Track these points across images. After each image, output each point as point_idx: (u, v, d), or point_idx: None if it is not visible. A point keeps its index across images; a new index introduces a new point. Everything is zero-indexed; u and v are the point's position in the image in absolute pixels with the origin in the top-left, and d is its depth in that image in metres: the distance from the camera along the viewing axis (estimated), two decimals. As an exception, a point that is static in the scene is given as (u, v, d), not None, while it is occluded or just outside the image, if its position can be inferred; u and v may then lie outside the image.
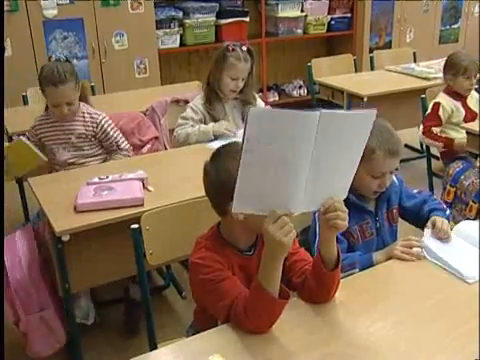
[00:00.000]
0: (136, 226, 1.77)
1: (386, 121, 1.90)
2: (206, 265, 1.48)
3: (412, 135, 4.53)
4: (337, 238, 1.55)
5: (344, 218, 1.36)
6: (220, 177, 1.48)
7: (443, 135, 3.36)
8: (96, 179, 2.24)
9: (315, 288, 1.49)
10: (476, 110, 3.41)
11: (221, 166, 1.49)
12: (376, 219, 1.97)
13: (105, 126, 2.77)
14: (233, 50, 2.75)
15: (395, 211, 2.02)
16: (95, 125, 2.75)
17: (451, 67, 3.40)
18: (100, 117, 2.78)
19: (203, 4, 5.11)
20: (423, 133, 3.38)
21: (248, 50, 2.79)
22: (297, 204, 1.28)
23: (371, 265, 1.78)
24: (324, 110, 1.20)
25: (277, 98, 5.81)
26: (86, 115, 2.76)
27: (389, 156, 1.84)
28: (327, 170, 1.28)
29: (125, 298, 2.69)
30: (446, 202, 3.00)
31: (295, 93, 5.90)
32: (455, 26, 6.54)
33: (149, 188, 2.22)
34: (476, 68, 3.44)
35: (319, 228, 1.44)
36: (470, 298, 1.53)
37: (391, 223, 2.02)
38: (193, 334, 1.54)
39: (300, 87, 5.91)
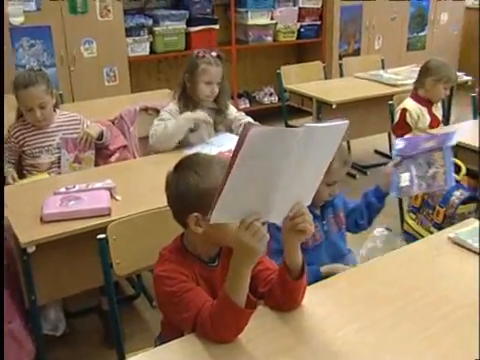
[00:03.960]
0: (102, 236, 1.76)
1: None
2: (170, 277, 1.47)
3: (381, 141, 4.60)
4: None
5: (311, 222, 1.37)
6: (179, 190, 1.49)
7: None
8: (63, 189, 2.22)
9: (281, 297, 1.49)
10: (440, 117, 3.48)
11: (181, 178, 1.49)
12: (323, 223, 2.07)
13: (88, 123, 2.84)
14: (203, 56, 2.77)
15: (342, 215, 2.14)
16: (76, 122, 2.82)
17: (434, 73, 3.44)
18: (79, 116, 2.85)
19: (173, 12, 5.11)
20: None
21: (218, 55, 2.80)
22: (272, 214, 1.29)
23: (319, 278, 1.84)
24: (308, 124, 1.21)
25: (248, 105, 5.83)
26: (66, 117, 2.83)
27: (344, 166, 2.01)
28: (300, 180, 1.29)
29: (97, 309, 2.67)
30: (414, 207, 3.05)
31: (266, 100, 5.93)
32: (422, 34, 6.65)
33: (117, 197, 2.21)
34: (456, 80, 3.52)
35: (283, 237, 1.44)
36: (434, 302, 1.56)
37: (339, 227, 2.13)
38: (161, 344, 1.53)
39: (271, 94, 5.94)
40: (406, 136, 3.41)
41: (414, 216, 3.03)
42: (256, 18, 5.57)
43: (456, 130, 2.28)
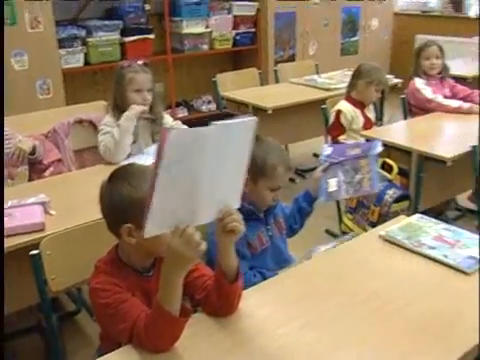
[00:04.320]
0: (35, 252, 1.73)
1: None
2: (105, 289, 1.46)
3: (319, 144, 4.68)
4: (240, 253, 1.61)
5: (241, 222, 1.39)
6: (113, 200, 1.48)
7: (349, 142, 3.50)
8: (-6, 206, 2.16)
9: (218, 302, 1.50)
10: (373, 119, 3.59)
11: (114, 189, 1.49)
12: (268, 228, 2.09)
13: (20, 138, 2.76)
14: (129, 66, 2.76)
15: (281, 220, 2.16)
16: (7, 137, 2.72)
17: (366, 76, 3.55)
18: (10, 131, 2.76)
19: (106, 22, 5.07)
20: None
21: (144, 63, 2.81)
22: (200, 216, 1.30)
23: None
24: (216, 122, 1.23)
25: (186, 114, 5.84)
26: None
27: (288, 171, 2.03)
28: (222, 180, 1.31)
29: (38, 327, 2.60)
30: (350, 207, 3.12)
31: (204, 108, 5.95)
32: (354, 39, 6.84)
33: (51, 212, 2.16)
34: (386, 82, 3.63)
35: (217, 239, 1.46)
36: (366, 298, 1.61)
37: (281, 232, 2.16)
38: (99, 357, 1.51)
39: (209, 102, 5.97)
40: (342, 138, 3.52)
41: (351, 216, 3.10)
42: (191, 27, 5.59)
43: (379, 141, 2.40)
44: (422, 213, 2.79)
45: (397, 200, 2.91)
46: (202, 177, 1.25)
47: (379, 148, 2.33)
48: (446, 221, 3.29)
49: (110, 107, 2.84)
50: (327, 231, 3.60)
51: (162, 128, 2.69)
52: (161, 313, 1.32)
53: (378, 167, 3.01)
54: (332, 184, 2.22)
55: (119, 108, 2.80)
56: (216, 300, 1.50)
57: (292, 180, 4.14)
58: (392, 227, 1.99)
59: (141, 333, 1.35)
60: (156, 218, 1.22)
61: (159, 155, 1.14)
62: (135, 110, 2.73)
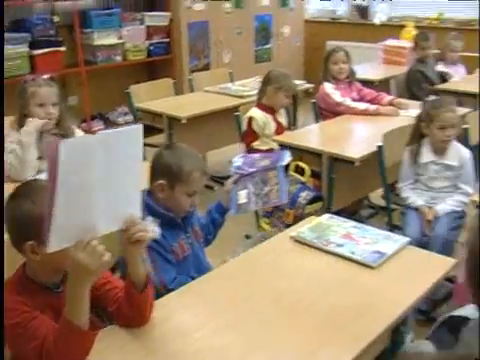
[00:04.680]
0: None
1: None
2: (12, 309, 1.42)
3: (236, 151, 4.73)
4: (167, 259, 1.61)
5: (146, 229, 1.40)
6: (14, 218, 1.46)
7: (263, 148, 3.56)
8: None
9: (129, 312, 1.50)
10: (284, 124, 3.68)
11: (16, 206, 1.46)
12: (187, 235, 2.09)
13: None
14: (32, 80, 2.70)
15: (198, 229, 2.17)
16: None
17: (274, 82, 3.61)
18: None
19: (13, 34, 4.91)
20: (247, 152, 3.55)
21: (50, 78, 2.75)
22: (101, 226, 1.30)
23: None
24: (102, 131, 1.25)
25: (102, 127, 5.75)
26: None
27: (203, 176, 2.04)
28: (116, 188, 1.32)
29: None
30: (267, 211, 3.18)
31: (120, 120, 5.89)
32: (267, 46, 6.97)
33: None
34: (294, 88, 3.72)
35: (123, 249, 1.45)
36: (276, 297, 1.65)
37: (198, 240, 2.17)
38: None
39: (126, 114, 5.90)
40: (256, 144, 3.57)
41: (268, 220, 3.16)
42: (103, 38, 5.52)
43: (287, 151, 2.46)
44: (336, 213, 2.90)
45: (310, 202, 3.00)
46: (97, 187, 1.25)
47: (287, 159, 2.39)
48: (360, 220, 3.43)
49: (15, 124, 2.76)
50: (247, 236, 3.63)
51: (46, 143, 2.65)
52: (69, 327, 1.30)
53: (292, 171, 3.10)
54: (242, 196, 2.25)
55: (24, 124, 2.72)
56: (128, 311, 1.50)
57: (210, 187, 4.16)
58: (302, 228, 2.05)
59: (51, 349, 1.33)
60: (58, 232, 1.21)
61: (52, 169, 1.13)
62: (33, 124, 2.66)
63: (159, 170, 1.98)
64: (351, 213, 3.68)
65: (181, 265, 2.04)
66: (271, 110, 3.65)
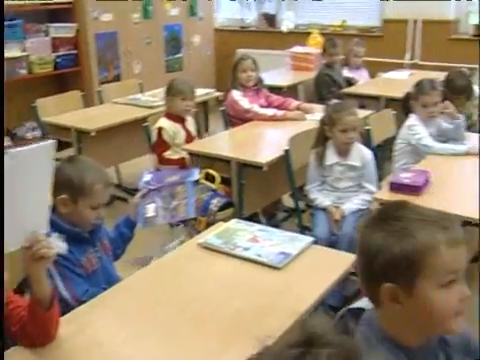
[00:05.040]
0: None
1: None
2: None
3: (148, 163, 4.72)
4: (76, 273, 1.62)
5: (49, 247, 1.38)
6: None
7: (174, 157, 3.56)
8: None
9: (34, 330, 1.47)
10: (194, 132, 3.71)
11: None
12: (96, 249, 2.06)
13: None
14: None
15: (106, 242, 2.15)
16: None
17: (173, 90, 3.65)
18: None
19: None
20: (159, 162, 3.55)
21: None
22: (8, 243, 1.28)
23: None
24: (10, 150, 1.22)
25: (10, 143, 5.55)
26: None
27: (107, 187, 2.02)
28: (24, 205, 1.30)
29: None
30: (181, 221, 3.19)
31: (29, 135, 5.70)
32: (178, 55, 6.99)
33: None
34: (191, 93, 3.74)
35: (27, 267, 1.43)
36: (190, 303, 1.67)
37: (107, 254, 2.14)
38: None
39: (34, 129, 5.71)
40: (168, 154, 3.58)
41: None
42: (5, 51, 5.33)
43: (197, 169, 2.56)
44: (249, 218, 2.96)
45: (222, 208, 3.04)
46: (5, 205, 1.22)
47: (196, 175, 2.46)
48: (276, 223, 3.52)
49: None
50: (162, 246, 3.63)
51: None
52: None
53: (202, 178, 3.13)
54: (150, 210, 2.26)
55: None
56: (32, 330, 1.47)
57: (124, 199, 4.12)
58: (209, 234, 2.08)
59: None
60: None
61: None
62: None
63: (60, 184, 1.94)
64: (268, 217, 3.77)
65: (91, 279, 2.02)
66: (179, 119, 3.66)
